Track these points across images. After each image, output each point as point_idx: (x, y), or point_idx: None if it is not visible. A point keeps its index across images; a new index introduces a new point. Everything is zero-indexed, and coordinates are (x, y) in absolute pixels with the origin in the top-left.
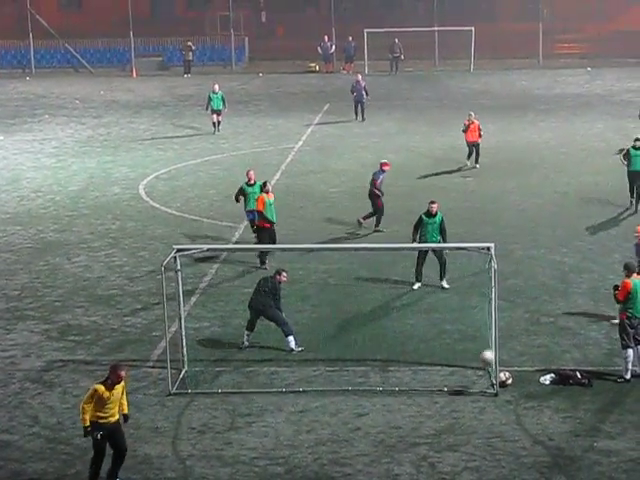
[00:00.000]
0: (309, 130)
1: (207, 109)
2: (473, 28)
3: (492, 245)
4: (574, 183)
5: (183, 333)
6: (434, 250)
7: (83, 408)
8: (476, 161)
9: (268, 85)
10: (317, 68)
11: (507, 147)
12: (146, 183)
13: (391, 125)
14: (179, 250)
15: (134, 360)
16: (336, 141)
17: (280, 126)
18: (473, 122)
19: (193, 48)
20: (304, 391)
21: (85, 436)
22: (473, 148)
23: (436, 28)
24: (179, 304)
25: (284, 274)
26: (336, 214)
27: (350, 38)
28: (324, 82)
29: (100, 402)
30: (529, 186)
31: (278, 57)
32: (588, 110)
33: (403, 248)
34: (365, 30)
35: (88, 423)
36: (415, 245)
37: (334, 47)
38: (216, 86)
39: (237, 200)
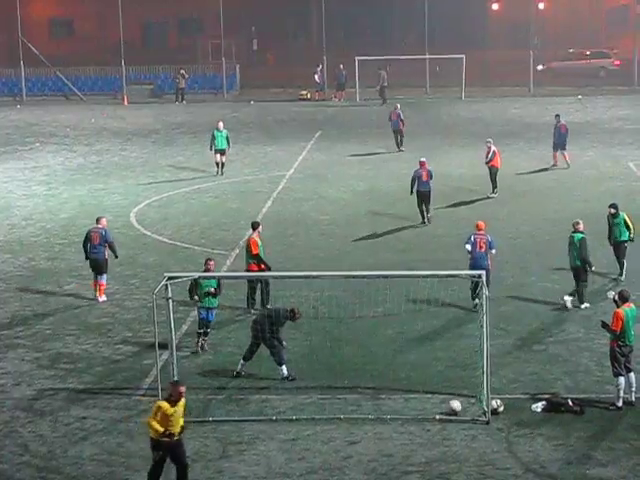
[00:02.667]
0: (300, 158)
1: (211, 148)
2: (464, 56)
3: (483, 272)
4: (565, 211)
5: (174, 361)
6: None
7: (150, 423)
8: (495, 189)
9: (259, 113)
10: (308, 96)
11: (498, 174)
12: (137, 211)
13: (383, 152)
14: (170, 278)
15: (125, 388)
16: (328, 169)
17: (271, 154)
18: (491, 147)
19: (186, 76)
20: (296, 419)
21: (153, 449)
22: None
23: (427, 56)
24: (170, 332)
25: (298, 315)
26: (328, 242)
27: (341, 66)
28: (315, 110)
29: (164, 419)
30: (520, 213)
31: (269, 85)
32: (579, 138)
33: (394, 275)
34: (356, 58)
35: (162, 429)
36: (406, 273)
37: (324, 75)
38: (220, 124)
39: (191, 297)
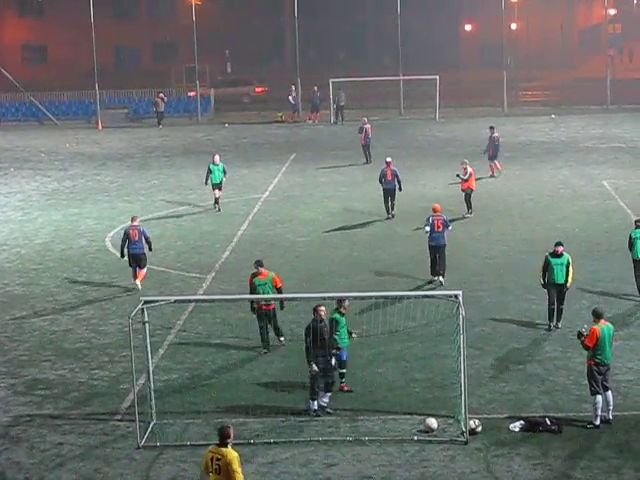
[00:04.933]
0: (275, 180)
1: (206, 183)
2: (438, 77)
3: (460, 293)
4: (540, 230)
5: (151, 385)
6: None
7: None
8: (470, 209)
9: (234, 135)
10: (283, 118)
11: (473, 194)
12: (113, 235)
13: (358, 174)
14: (146, 302)
15: (102, 413)
16: (303, 190)
17: (246, 176)
18: (467, 168)
19: (165, 99)
20: (274, 442)
21: None
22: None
23: (401, 77)
24: (147, 356)
25: (322, 309)
26: (303, 263)
27: (315, 88)
28: (290, 132)
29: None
30: (495, 233)
31: (243, 107)
32: (553, 157)
33: (370, 296)
34: (330, 80)
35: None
36: (382, 294)
37: (298, 97)
38: (217, 157)
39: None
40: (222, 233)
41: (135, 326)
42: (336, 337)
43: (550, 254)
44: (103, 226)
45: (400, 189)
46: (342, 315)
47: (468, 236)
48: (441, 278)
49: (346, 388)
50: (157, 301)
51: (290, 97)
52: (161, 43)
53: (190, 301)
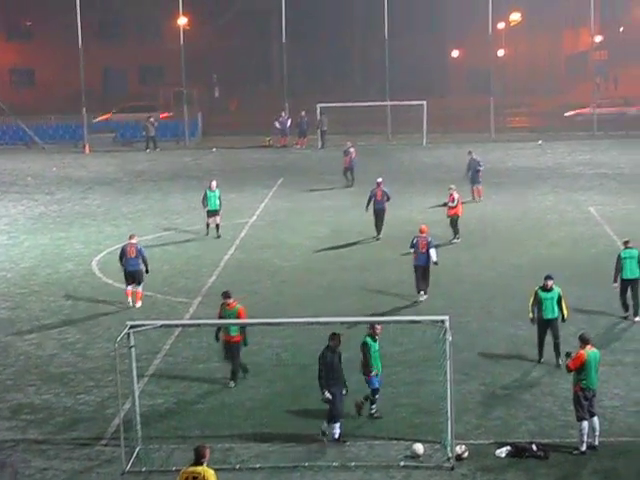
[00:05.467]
0: (263, 204)
1: (203, 207)
2: (425, 102)
3: (446, 318)
4: (528, 255)
5: (137, 410)
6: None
7: None
8: (456, 234)
9: (221, 160)
10: (270, 143)
11: (460, 220)
12: (99, 259)
13: (345, 198)
14: (132, 326)
15: (87, 438)
16: (290, 215)
17: (234, 201)
18: (454, 195)
19: (155, 124)
20: (260, 467)
21: None
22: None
23: (388, 102)
24: (133, 381)
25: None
26: (290, 287)
27: (303, 113)
28: (277, 156)
29: None
30: (483, 259)
31: (231, 132)
32: (540, 183)
33: (356, 321)
34: (318, 105)
35: None
36: (368, 319)
37: (289, 121)
38: (213, 183)
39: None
40: (209, 258)
41: (121, 350)
42: (369, 362)
43: (540, 288)
44: (90, 250)
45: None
46: (374, 339)
47: (455, 261)
48: (422, 296)
49: (377, 415)
50: (143, 325)
51: (277, 122)
52: (149, 66)
53: (176, 326)
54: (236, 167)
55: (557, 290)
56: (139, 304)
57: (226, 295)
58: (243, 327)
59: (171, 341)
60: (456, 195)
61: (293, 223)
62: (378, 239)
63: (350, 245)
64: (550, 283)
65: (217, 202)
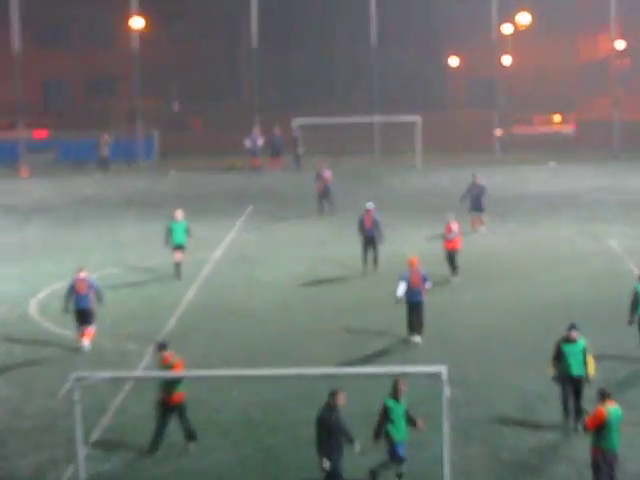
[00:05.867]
0: (229, 237)
1: (167, 243)
2: (419, 117)
3: (444, 369)
4: (538, 295)
5: (81, 477)
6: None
7: None
8: (455, 271)
9: (181, 185)
10: (239, 165)
11: (460, 255)
12: (38, 300)
13: (325, 231)
14: (77, 379)
15: None
16: (261, 249)
17: (195, 232)
18: (452, 226)
19: (109, 142)
20: None
21: None
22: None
23: (376, 118)
24: (77, 442)
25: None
26: (261, 333)
27: (277, 130)
28: (247, 181)
29: None
30: (486, 299)
31: (193, 152)
32: (552, 212)
33: (340, 373)
34: (294, 121)
35: None
36: (354, 370)
37: (261, 140)
38: (179, 213)
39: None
40: (166, 298)
41: (64, 407)
42: (389, 428)
43: (562, 340)
44: (27, 289)
45: (381, 240)
46: (398, 401)
47: (454, 303)
48: (417, 338)
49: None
50: (89, 378)
51: (246, 141)
52: (97, 76)
53: (128, 378)
54: (198, 193)
55: (582, 343)
56: (87, 343)
57: (161, 347)
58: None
59: (122, 396)
60: (455, 226)
61: (265, 258)
62: (364, 273)
63: (331, 283)
64: (575, 334)
65: (184, 235)
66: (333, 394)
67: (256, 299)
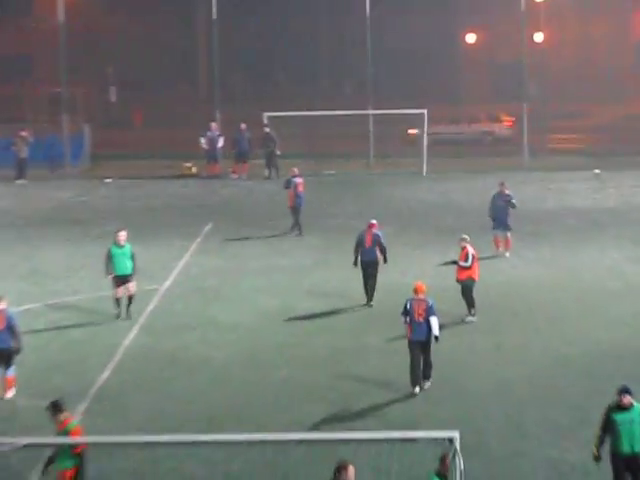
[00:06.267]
0: (181, 263)
1: (107, 273)
2: (425, 111)
3: (456, 434)
4: (578, 342)
5: None
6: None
7: None
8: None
9: (120, 196)
10: (194, 170)
11: (478, 288)
12: None
13: (304, 255)
14: None
15: None
16: (222, 279)
17: (138, 257)
18: (467, 250)
19: (29, 140)
20: None
21: None
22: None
23: (371, 111)
24: None
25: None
26: (222, 389)
27: (243, 126)
28: (204, 191)
29: None
30: (511, 346)
31: (135, 154)
32: (597, 232)
33: (324, 439)
34: (265, 114)
35: None
36: (342, 435)
37: (222, 139)
38: (122, 235)
39: None
40: (100, 343)
41: None
42: None
43: (612, 407)
44: None
45: (385, 260)
46: (443, 478)
47: (470, 350)
48: (427, 383)
49: None
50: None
51: (203, 140)
52: (9, 56)
53: (48, 445)
54: (141, 207)
55: (638, 408)
56: (10, 394)
57: (55, 408)
58: (78, 457)
59: (40, 468)
60: (470, 250)
61: (227, 291)
62: (370, 305)
63: (313, 322)
64: (628, 399)
65: (128, 263)
66: (340, 469)
67: (215, 345)
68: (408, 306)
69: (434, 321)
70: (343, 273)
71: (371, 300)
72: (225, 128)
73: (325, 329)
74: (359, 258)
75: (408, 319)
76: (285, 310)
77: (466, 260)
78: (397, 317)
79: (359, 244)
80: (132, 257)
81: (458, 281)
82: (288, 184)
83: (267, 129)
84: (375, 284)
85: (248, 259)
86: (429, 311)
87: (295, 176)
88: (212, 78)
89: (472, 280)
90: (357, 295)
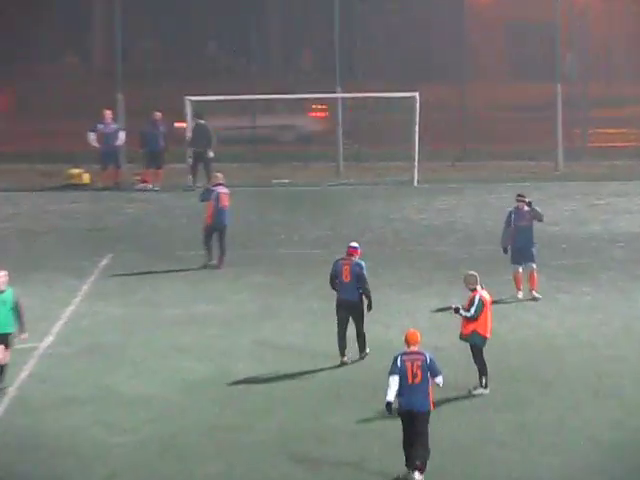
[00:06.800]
0: (69, 311)
1: None
2: (417, 94)
3: None
4: (627, 424)
5: None
6: None
7: None
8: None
9: None
10: (86, 179)
11: (495, 345)
12: None
13: (244, 299)
14: None
15: None
16: (128, 334)
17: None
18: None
19: None
20: None
21: None
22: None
23: (339, 94)
24: None
25: None
26: None
27: (157, 115)
28: (100, 207)
29: None
30: (538, 425)
31: (0, 156)
32: None
33: None
34: (186, 98)
35: None
36: None
37: (122, 134)
38: (1, 276)
39: None
40: None
41: None
42: None
43: None
44: None
45: (369, 306)
46: None
47: (483, 433)
48: (417, 475)
49: None
50: None
51: (92, 135)
52: None
53: None
54: (13, 232)
55: None
56: None
57: None
58: None
59: None
60: (481, 295)
61: (134, 351)
62: (363, 357)
63: (257, 397)
64: None
65: (10, 318)
66: None
67: (117, 427)
68: (399, 363)
69: (439, 380)
70: (301, 324)
71: (364, 350)
72: (131, 118)
73: (275, 405)
74: (337, 296)
75: (398, 380)
76: (218, 378)
77: (471, 308)
78: (376, 386)
79: (336, 276)
80: (14, 308)
81: (462, 337)
82: (207, 195)
83: (200, 120)
84: (362, 330)
85: (163, 306)
86: (428, 369)
87: (218, 184)
88: (110, 47)
89: (479, 336)
90: (321, 355)
